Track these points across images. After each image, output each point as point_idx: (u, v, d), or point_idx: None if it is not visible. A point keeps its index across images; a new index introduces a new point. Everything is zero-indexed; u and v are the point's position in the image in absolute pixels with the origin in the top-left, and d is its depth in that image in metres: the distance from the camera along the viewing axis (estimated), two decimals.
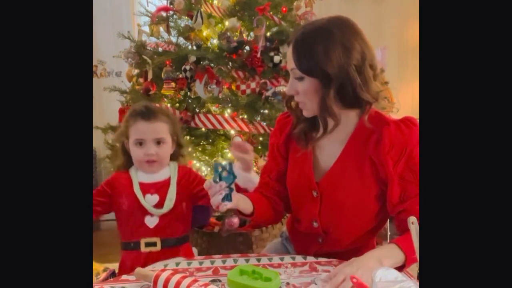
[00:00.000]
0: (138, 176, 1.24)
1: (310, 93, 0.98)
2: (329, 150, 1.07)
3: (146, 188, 1.21)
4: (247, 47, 1.97)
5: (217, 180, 0.93)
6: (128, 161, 1.27)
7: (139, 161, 1.22)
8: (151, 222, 1.19)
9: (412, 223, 0.88)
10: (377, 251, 0.96)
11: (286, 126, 1.15)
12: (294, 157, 1.13)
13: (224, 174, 0.93)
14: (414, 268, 0.93)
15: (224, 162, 0.94)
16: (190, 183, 1.26)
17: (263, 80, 1.89)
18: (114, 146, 2.20)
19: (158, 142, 1.22)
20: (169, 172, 1.26)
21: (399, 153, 0.98)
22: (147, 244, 1.17)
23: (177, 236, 1.22)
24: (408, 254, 0.93)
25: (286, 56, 1.03)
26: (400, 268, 0.95)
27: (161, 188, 1.22)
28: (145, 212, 1.19)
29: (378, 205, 1.04)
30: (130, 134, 1.23)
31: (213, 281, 0.95)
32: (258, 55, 1.87)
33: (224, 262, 1.04)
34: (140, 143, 1.21)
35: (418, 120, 1.01)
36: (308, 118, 1.06)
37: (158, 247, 1.18)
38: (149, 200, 1.20)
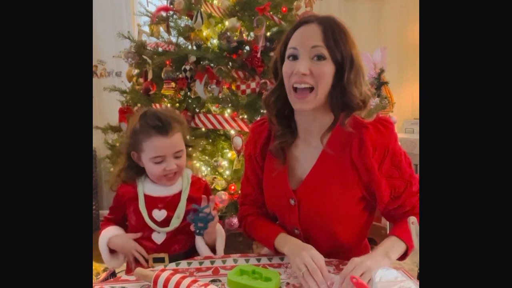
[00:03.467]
0: (146, 189, 1.17)
1: (327, 76, 0.95)
2: (305, 157, 1.06)
3: (154, 203, 1.16)
4: (247, 47, 1.96)
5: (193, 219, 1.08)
6: (137, 173, 1.19)
7: (158, 176, 1.15)
8: (158, 238, 1.15)
9: (412, 223, 0.88)
10: (381, 246, 0.97)
11: (260, 135, 1.12)
12: (269, 166, 1.11)
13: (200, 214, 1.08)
14: (414, 268, 0.93)
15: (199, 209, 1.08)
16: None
17: (263, 80, 1.89)
18: (114, 146, 2.20)
19: (177, 155, 1.15)
20: (180, 185, 1.19)
21: (382, 154, 0.98)
22: (156, 260, 1.12)
23: (185, 250, 1.17)
24: (408, 243, 0.97)
25: (305, 34, 0.97)
26: (402, 258, 1.00)
27: (170, 202, 1.16)
28: (152, 228, 1.15)
29: (360, 207, 1.05)
30: (144, 149, 1.13)
31: (213, 281, 0.95)
32: (258, 55, 1.87)
33: (224, 262, 1.04)
34: (160, 160, 1.13)
35: (392, 119, 1.03)
36: (283, 133, 1.05)
37: (167, 263, 1.13)
38: (156, 216, 1.15)
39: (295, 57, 0.97)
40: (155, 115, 1.14)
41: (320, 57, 0.94)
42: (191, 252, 1.18)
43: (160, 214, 1.15)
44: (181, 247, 1.17)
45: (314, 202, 1.04)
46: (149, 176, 1.18)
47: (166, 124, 1.12)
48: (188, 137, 1.23)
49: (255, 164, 1.15)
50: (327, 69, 0.95)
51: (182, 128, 1.17)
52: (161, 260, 1.11)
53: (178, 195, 1.17)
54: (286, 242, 1.03)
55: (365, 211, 1.06)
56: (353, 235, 1.08)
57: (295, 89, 0.97)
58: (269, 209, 1.15)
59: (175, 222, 1.14)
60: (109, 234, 1.16)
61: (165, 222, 1.15)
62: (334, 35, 0.94)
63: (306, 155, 1.06)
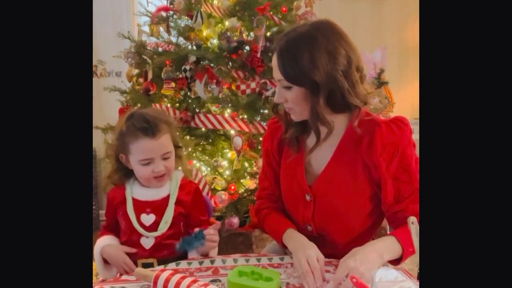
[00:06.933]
0: (134, 192, 1.16)
1: (299, 101, 0.99)
2: (320, 154, 1.07)
3: (142, 207, 1.14)
4: (247, 47, 1.96)
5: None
6: (126, 175, 1.18)
7: (147, 178, 1.13)
8: (146, 243, 1.13)
9: (412, 223, 0.88)
10: (378, 244, 0.96)
11: (277, 131, 1.14)
12: (286, 161, 1.13)
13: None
14: (414, 268, 0.93)
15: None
16: (190, 209, 1.18)
17: (263, 80, 1.89)
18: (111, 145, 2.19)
19: (165, 156, 1.13)
20: (169, 189, 1.17)
21: (391, 154, 0.98)
22: (144, 265, 1.10)
23: (175, 255, 1.13)
24: (405, 247, 0.95)
25: (272, 67, 1.01)
26: (396, 262, 0.98)
27: (158, 207, 1.14)
28: (140, 232, 1.13)
29: (371, 205, 1.05)
30: (132, 152, 1.12)
31: (213, 281, 0.95)
32: (258, 55, 1.87)
33: (224, 262, 1.04)
34: (147, 162, 1.11)
35: (408, 120, 1.02)
36: (298, 122, 1.06)
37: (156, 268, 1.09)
38: (144, 220, 1.13)
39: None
40: (142, 116, 1.13)
41: (286, 87, 0.98)
42: (181, 259, 1.14)
43: (148, 218, 1.13)
44: (170, 252, 1.14)
45: (328, 198, 1.05)
46: (138, 178, 1.16)
47: (153, 126, 1.10)
48: (177, 137, 1.21)
49: (271, 159, 1.17)
50: (297, 94, 0.98)
51: (170, 129, 1.16)
52: (150, 266, 1.09)
53: (166, 199, 1.15)
54: (291, 238, 1.04)
55: (377, 210, 1.06)
56: (363, 233, 1.09)
57: None
58: (286, 205, 1.16)
59: (163, 227, 1.13)
60: (102, 244, 1.14)
61: (153, 227, 1.13)
62: (291, 63, 0.95)
63: (321, 152, 1.06)
